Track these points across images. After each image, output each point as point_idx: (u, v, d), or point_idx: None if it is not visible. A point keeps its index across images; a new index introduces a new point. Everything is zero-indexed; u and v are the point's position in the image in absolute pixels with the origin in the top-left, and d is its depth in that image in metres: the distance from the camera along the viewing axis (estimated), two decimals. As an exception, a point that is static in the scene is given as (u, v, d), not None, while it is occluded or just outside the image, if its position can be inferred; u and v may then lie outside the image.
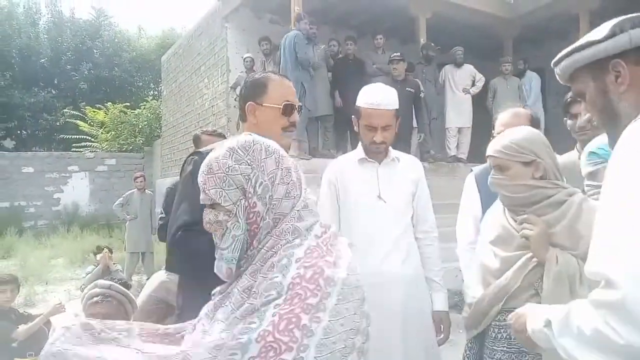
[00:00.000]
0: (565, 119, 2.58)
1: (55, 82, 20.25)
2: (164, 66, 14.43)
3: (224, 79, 9.72)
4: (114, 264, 6.41)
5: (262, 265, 1.11)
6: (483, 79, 8.43)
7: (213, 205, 1.17)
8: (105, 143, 16.41)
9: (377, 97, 2.16)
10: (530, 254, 1.61)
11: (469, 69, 8.39)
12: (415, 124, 7.41)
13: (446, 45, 8.88)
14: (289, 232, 1.14)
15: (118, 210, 7.94)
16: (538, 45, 11.03)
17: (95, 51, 20.69)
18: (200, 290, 1.65)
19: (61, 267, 9.18)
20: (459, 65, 8.34)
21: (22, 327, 3.83)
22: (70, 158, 14.84)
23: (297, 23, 7.14)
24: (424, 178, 2.36)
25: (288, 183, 1.17)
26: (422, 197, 2.31)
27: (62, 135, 17.58)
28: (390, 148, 2.29)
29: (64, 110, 18.10)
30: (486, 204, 1.99)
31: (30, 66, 19.04)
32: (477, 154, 7.14)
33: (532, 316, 1.18)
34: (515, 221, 1.67)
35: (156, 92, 21.09)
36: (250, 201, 1.13)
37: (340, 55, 7.80)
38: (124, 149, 16.17)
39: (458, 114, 8.33)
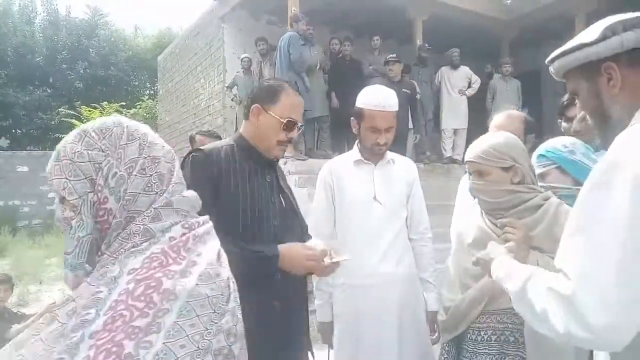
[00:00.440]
0: (560, 121, 2.59)
1: (51, 80, 20.16)
2: (160, 66, 14.40)
3: (220, 79, 9.71)
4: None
5: (96, 277, 0.91)
6: (479, 80, 8.46)
7: (62, 200, 1.00)
8: (101, 142, 16.33)
9: (381, 99, 2.17)
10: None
11: (464, 70, 8.42)
12: (411, 125, 7.42)
13: (443, 46, 8.91)
14: (137, 234, 0.93)
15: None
16: (535, 47, 11.07)
17: (91, 50, 20.62)
18: None
19: (55, 267, 9.13)
20: (455, 66, 8.36)
21: (15, 327, 3.81)
22: (66, 157, 14.76)
23: (295, 24, 7.15)
24: (419, 180, 2.37)
25: (150, 175, 0.98)
26: (416, 198, 2.32)
27: (57, 134, 17.43)
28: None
29: (60, 109, 18.00)
30: None
31: (25, 65, 18.95)
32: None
33: (497, 266, 1.29)
34: (494, 224, 1.69)
35: (152, 92, 21.03)
36: (100, 195, 0.94)
37: (340, 55, 7.80)
38: (120, 148, 16.09)
39: (454, 115, 8.36)
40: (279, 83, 1.82)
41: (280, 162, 2.08)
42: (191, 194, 1.08)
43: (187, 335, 0.85)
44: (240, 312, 1.01)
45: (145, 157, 0.98)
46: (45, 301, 6.22)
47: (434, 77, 8.38)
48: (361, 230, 2.21)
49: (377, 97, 2.17)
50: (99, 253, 0.96)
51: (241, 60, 8.53)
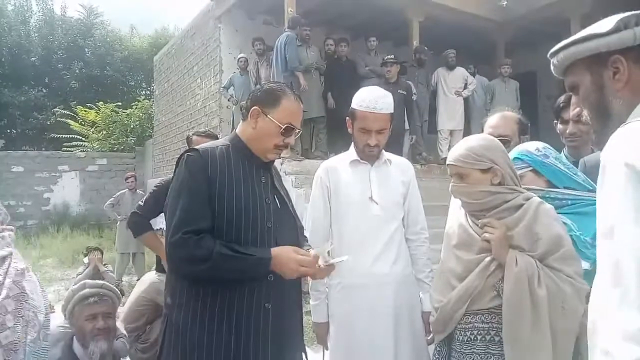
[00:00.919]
0: (555, 122, 2.59)
1: (46, 80, 20.09)
2: (156, 66, 14.36)
3: (216, 79, 9.69)
4: (104, 264, 6.36)
5: None
6: (475, 82, 8.48)
7: None
8: (96, 143, 16.29)
9: (373, 100, 2.16)
10: (491, 257, 1.66)
11: (461, 71, 8.44)
12: (407, 126, 7.44)
13: (439, 48, 8.93)
14: None
15: (109, 211, 7.90)
16: (530, 48, 11.11)
17: (86, 50, 20.56)
18: (191, 293, 1.64)
19: (50, 268, 9.10)
20: (451, 68, 8.38)
21: (10, 328, 3.78)
22: (61, 157, 14.71)
23: (297, 27, 7.15)
24: (415, 180, 2.37)
25: None
26: (413, 199, 2.32)
27: (52, 135, 17.42)
28: (382, 151, 2.30)
29: (55, 109, 17.96)
30: None
31: (20, 64, 18.88)
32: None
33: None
34: (477, 225, 1.72)
35: (148, 92, 20.98)
36: None
37: (336, 56, 7.81)
38: (115, 148, 16.06)
39: (450, 116, 8.38)
40: (281, 87, 1.81)
41: (277, 163, 2.07)
42: None
43: None
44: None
45: None
46: (40, 302, 6.19)
47: (430, 78, 8.40)
48: (357, 230, 2.21)
49: (369, 99, 2.17)
50: None
51: (237, 61, 8.53)
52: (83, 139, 16.62)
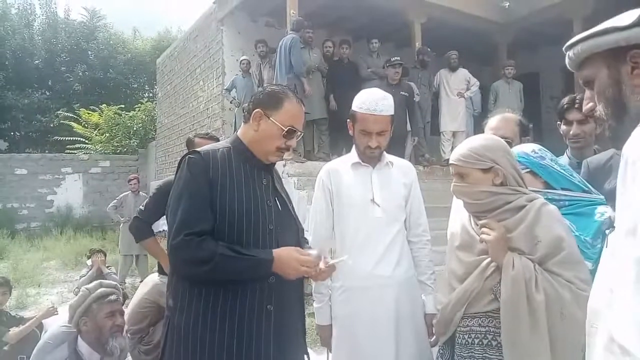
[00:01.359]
0: (559, 123, 2.59)
1: (50, 83, 20.15)
2: (159, 68, 14.40)
3: (219, 81, 9.71)
4: (107, 266, 6.38)
5: None
6: (477, 83, 8.48)
7: None
8: (100, 145, 16.33)
9: (374, 102, 2.16)
10: (490, 259, 1.64)
11: (463, 73, 8.44)
12: (409, 128, 7.44)
13: (442, 49, 8.92)
14: None
15: (112, 213, 7.91)
16: (532, 49, 11.11)
17: (90, 53, 20.62)
18: (193, 295, 1.64)
19: (54, 270, 9.12)
20: (453, 69, 8.38)
21: (13, 330, 3.80)
22: (64, 160, 14.74)
23: (301, 30, 7.16)
24: (417, 182, 2.37)
25: None
26: (415, 201, 2.32)
27: (55, 137, 17.48)
28: (384, 152, 2.30)
29: (58, 111, 18.00)
30: None
31: (24, 67, 18.94)
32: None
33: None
34: (478, 226, 1.70)
35: (151, 94, 21.02)
36: None
37: (336, 58, 7.82)
38: (118, 151, 16.10)
39: (452, 117, 8.38)
40: (283, 90, 1.82)
41: (279, 165, 2.08)
42: None
43: None
44: None
45: None
46: (43, 304, 6.21)
47: (432, 79, 8.39)
48: (359, 232, 2.21)
49: (369, 101, 2.17)
50: None
51: (240, 63, 8.54)
52: (86, 141, 16.66)
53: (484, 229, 1.64)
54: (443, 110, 8.42)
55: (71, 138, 16.67)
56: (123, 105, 17.30)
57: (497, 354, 1.60)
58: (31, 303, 6.54)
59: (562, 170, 1.90)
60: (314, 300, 2.29)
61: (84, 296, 2.68)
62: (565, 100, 2.57)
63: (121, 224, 7.71)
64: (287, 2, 7.69)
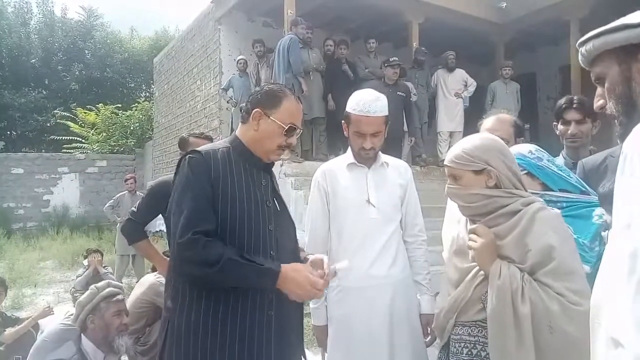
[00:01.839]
0: (555, 123, 2.60)
1: (46, 82, 20.10)
2: (156, 68, 14.38)
3: (216, 81, 9.70)
4: (104, 266, 6.36)
5: None
6: (475, 83, 8.49)
7: None
8: (96, 144, 16.30)
9: (367, 104, 2.17)
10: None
11: (460, 73, 8.45)
12: (405, 128, 7.44)
13: (439, 49, 8.94)
14: None
15: (109, 212, 7.89)
16: (530, 50, 11.13)
17: (86, 52, 20.60)
18: (193, 297, 1.62)
19: (50, 270, 9.09)
20: (450, 69, 8.39)
21: (9, 331, 3.79)
22: (61, 159, 14.71)
23: (294, 27, 7.16)
24: (413, 182, 2.37)
25: None
26: (410, 201, 2.33)
27: (52, 137, 17.44)
28: (379, 153, 2.30)
29: (55, 111, 17.98)
30: None
31: (20, 66, 18.90)
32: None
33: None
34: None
35: (148, 94, 20.99)
36: None
37: (335, 57, 7.82)
38: (115, 150, 16.07)
39: (450, 118, 8.39)
40: (281, 88, 1.82)
41: (276, 164, 2.07)
42: None
43: None
44: None
45: None
46: (39, 304, 6.19)
47: (430, 80, 8.40)
48: (355, 233, 2.21)
49: (362, 102, 2.17)
50: None
51: (237, 62, 8.53)
52: (83, 140, 16.63)
53: (471, 235, 1.58)
54: (440, 111, 8.43)
55: (68, 137, 16.63)
56: (120, 105, 17.27)
57: None
58: (27, 303, 6.52)
59: (559, 172, 1.88)
60: (310, 301, 2.29)
61: (92, 294, 2.72)
62: (563, 100, 2.58)
63: (118, 224, 7.69)
64: (284, 2, 7.69)
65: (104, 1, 25.45)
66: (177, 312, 1.63)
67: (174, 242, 1.58)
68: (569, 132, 2.49)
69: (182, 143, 3.27)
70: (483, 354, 1.57)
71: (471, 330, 1.61)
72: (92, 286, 2.83)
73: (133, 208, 3.12)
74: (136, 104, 17.40)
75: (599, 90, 1.14)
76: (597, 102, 1.15)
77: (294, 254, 1.82)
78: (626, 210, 0.93)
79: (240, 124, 1.84)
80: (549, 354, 1.43)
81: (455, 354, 1.65)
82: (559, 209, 1.80)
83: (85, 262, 6.30)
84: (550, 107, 10.72)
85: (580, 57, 1.16)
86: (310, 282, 1.57)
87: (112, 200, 7.93)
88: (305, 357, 1.87)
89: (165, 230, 3.26)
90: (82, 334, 2.64)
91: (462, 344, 1.63)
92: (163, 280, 3.57)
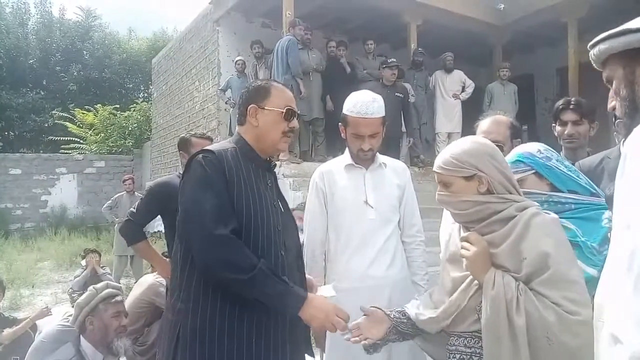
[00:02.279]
0: (554, 125, 2.61)
1: (44, 83, 20.08)
2: (154, 68, 14.37)
3: (214, 82, 9.70)
4: (102, 267, 6.35)
5: None
6: (473, 84, 8.51)
7: None
8: (94, 145, 16.28)
9: (364, 105, 2.17)
10: None
11: (458, 74, 8.47)
12: (403, 129, 7.45)
13: (437, 51, 8.95)
14: None
15: (107, 213, 7.88)
16: (528, 51, 11.16)
17: (84, 52, 20.57)
18: (207, 298, 1.59)
19: (48, 270, 9.08)
20: (448, 71, 8.41)
21: (6, 331, 3.78)
22: (59, 160, 14.69)
23: (292, 29, 7.17)
24: (411, 183, 2.38)
25: None
26: (408, 202, 2.33)
27: (50, 137, 17.42)
28: (377, 154, 2.30)
29: (53, 111, 17.94)
30: None
31: (18, 67, 18.86)
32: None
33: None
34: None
35: (146, 94, 20.97)
36: None
37: (336, 58, 7.81)
38: (113, 151, 16.05)
39: (448, 119, 8.41)
40: (266, 81, 1.84)
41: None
42: None
43: None
44: None
45: None
46: (37, 305, 6.18)
47: (428, 81, 8.42)
48: (353, 234, 2.22)
49: (359, 104, 2.18)
50: None
51: (235, 63, 8.54)
52: (81, 141, 16.61)
53: (463, 244, 1.52)
54: (438, 112, 8.45)
55: (66, 138, 16.61)
56: (118, 105, 17.25)
57: None
58: (25, 304, 6.51)
59: (569, 172, 1.82)
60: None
61: (91, 295, 2.71)
62: (561, 101, 2.59)
63: (116, 225, 7.68)
64: (283, 3, 7.70)
65: (102, 2, 25.46)
66: (190, 315, 1.59)
67: (201, 236, 1.53)
68: (566, 132, 2.51)
69: (183, 143, 3.25)
70: None
71: (467, 342, 1.56)
72: (91, 287, 2.82)
73: (132, 209, 3.10)
74: (134, 105, 17.38)
75: (611, 91, 1.16)
76: (610, 104, 1.16)
77: (299, 256, 1.83)
78: (625, 210, 0.94)
79: (238, 126, 1.84)
80: None
81: None
82: (566, 210, 1.76)
83: (83, 263, 6.30)
84: (547, 109, 10.74)
85: (591, 58, 1.18)
86: (329, 317, 1.60)
87: (110, 201, 7.92)
88: (312, 355, 1.87)
89: (163, 231, 3.25)
90: (80, 335, 2.63)
91: (459, 356, 1.57)
92: (162, 280, 3.58)
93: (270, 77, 7.27)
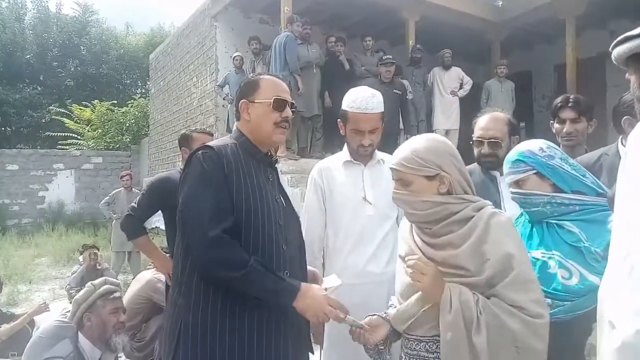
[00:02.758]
0: (552, 122, 2.62)
1: (41, 78, 19.99)
2: (152, 64, 14.33)
3: (212, 77, 9.69)
4: (99, 263, 6.34)
5: None
6: (471, 81, 8.52)
7: None
8: (92, 141, 16.24)
9: (364, 101, 2.18)
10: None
11: (456, 71, 8.47)
12: (401, 126, 7.46)
13: (435, 48, 8.95)
14: None
15: (104, 209, 7.87)
16: (526, 48, 11.17)
17: (82, 48, 20.49)
18: (209, 294, 1.59)
19: (45, 266, 9.07)
20: (446, 67, 8.41)
21: (4, 327, 3.78)
22: (56, 156, 14.65)
23: (290, 25, 7.16)
24: None
25: None
26: None
27: (47, 133, 17.37)
28: (375, 150, 2.31)
29: (50, 107, 17.89)
30: None
31: (15, 62, 18.78)
32: (464, 156, 7.19)
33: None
34: (422, 240, 1.52)
35: (144, 90, 20.94)
36: None
37: (336, 54, 7.80)
38: (111, 147, 16.02)
39: (446, 116, 8.41)
40: (256, 75, 1.85)
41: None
42: None
43: None
44: None
45: None
46: (35, 301, 6.18)
47: (426, 77, 8.42)
48: (351, 230, 2.22)
49: (359, 100, 2.19)
50: None
51: (233, 59, 8.52)
52: (78, 137, 16.57)
53: (412, 275, 1.44)
54: (436, 109, 8.45)
55: (63, 134, 16.56)
56: (116, 101, 17.23)
57: None
58: (22, 300, 6.51)
59: (573, 171, 1.74)
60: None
61: (89, 291, 2.70)
62: (559, 99, 2.60)
63: (113, 221, 7.67)
64: (281, -2, 7.69)
65: (99, -3, 25.27)
66: (191, 311, 1.59)
67: (198, 237, 1.54)
68: (564, 130, 2.51)
69: (184, 139, 3.26)
70: None
71: (429, 347, 1.48)
72: (89, 283, 2.82)
73: (133, 204, 3.11)
74: (132, 101, 17.35)
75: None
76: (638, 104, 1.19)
77: (301, 250, 1.83)
78: (625, 206, 0.96)
79: (235, 122, 1.85)
80: None
81: None
82: (570, 212, 1.70)
83: (81, 259, 6.29)
84: (545, 106, 10.76)
85: (613, 59, 1.20)
86: (323, 307, 1.59)
87: (107, 197, 7.90)
88: (312, 352, 1.88)
89: (161, 227, 3.25)
90: (78, 332, 2.63)
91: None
92: (160, 276, 3.59)
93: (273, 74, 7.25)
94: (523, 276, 1.38)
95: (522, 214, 1.84)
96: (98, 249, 6.48)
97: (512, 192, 1.82)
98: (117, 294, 2.75)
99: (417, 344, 1.51)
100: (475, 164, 2.29)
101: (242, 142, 1.75)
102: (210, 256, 1.54)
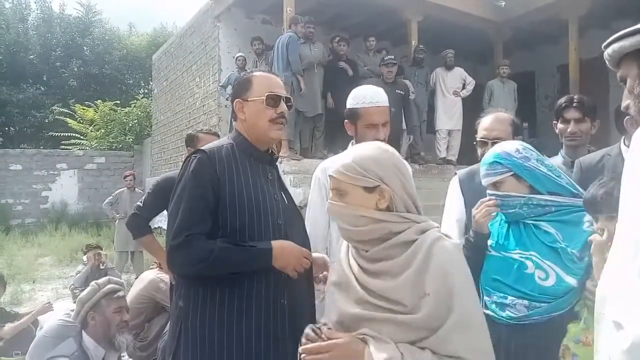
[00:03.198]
0: (555, 122, 2.61)
1: (45, 78, 20.06)
2: (154, 64, 14.36)
3: (215, 78, 9.70)
4: (103, 262, 6.35)
5: None
6: (473, 82, 8.51)
7: None
8: (95, 141, 16.29)
9: (374, 95, 2.21)
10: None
11: (459, 71, 8.47)
12: (404, 126, 7.46)
13: (438, 48, 8.94)
14: None
15: (107, 209, 7.90)
16: (528, 48, 11.14)
17: (85, 48, 20.56)
18: (207, 294, 1.62)
19: (48, 266, 9.10)
20: (449, 68, 8.41)
21: (8, 326, 3.80)
22: (59, 156, 14.70)
23: (294, 26, 7.17)
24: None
25: None
26: None
27: (50, 133, 17.43)
28: None
29: (53, 107, 17.95)
30: (470, 207, 1.95)
31: (18, 62, 18.85)
32: (467, 156, 7.19)
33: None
34: (358, 265, 1.32)
35: (147, 90, 20.97)
36: None
37: (342, 52, 7.80)
38: (114, 147, 16.06)
39: (448, 116, 8.41)
40: (249, 74, 1.85)
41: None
42: None
43: None
44: None
45: None
46: (38, 300, 6.20)
47: (429, 78, 8.42)
48: None
49: (369, 95, 2.21)
50: None
51: (236, 59, 8.53)
52: (81, 137, 16.62)
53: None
54: (439, 109, 8.45)
55: (66, 134, 16.62)
56: (119, 101, 17.26)
57: None
58: (26, 299, 6.53)
59: (548, 172, 1.76)
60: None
61: (93, 291, 2.72)
62: (563, 99, 2.59)
63: (116, 221, 7.70)
64: (283, -1, 7.69)
65: (102, -3, 25.33)
66: (190, 310, 1.62)
67: (167, 245, 1.61)
68: (568, 130, 2.50)
69: (190, 139, 3.27)
70: None
71: None
72: (93, 282, 2.84)
73: (139, 203, 3.13)
74: (135, 101, 17.38)
75: (625, 90, 1.18)
76: (624, 103, 1.18)
77: (305, 247, 1.83)
78: (630, 203, 0.97)
79: (233, 122, 1.87)
80: None
81: None
82: (546, 213, 1.73)
83: (85, 258, 6.31)
84: (548, 106, 10.74)
85: (606, 59, 1.20)
86: (300, 250, 1.66)
87: (110, 197, 7.93)
88: None
89: (164, 227, 3.26)
90: (82, 331, 2.64)
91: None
92: (163, 276, 3.60)
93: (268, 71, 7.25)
94: (466, 319, 1.19)
95: (497, 214, 1.84)
96: (102, 249, 6.49)
97: (489, 194, 1.82)
98: (120, 293, 2.77)
99: None
100: (479, 164, 2.29)
101: (239, 142, 1.76)
102: (175, 260, 1.62)
